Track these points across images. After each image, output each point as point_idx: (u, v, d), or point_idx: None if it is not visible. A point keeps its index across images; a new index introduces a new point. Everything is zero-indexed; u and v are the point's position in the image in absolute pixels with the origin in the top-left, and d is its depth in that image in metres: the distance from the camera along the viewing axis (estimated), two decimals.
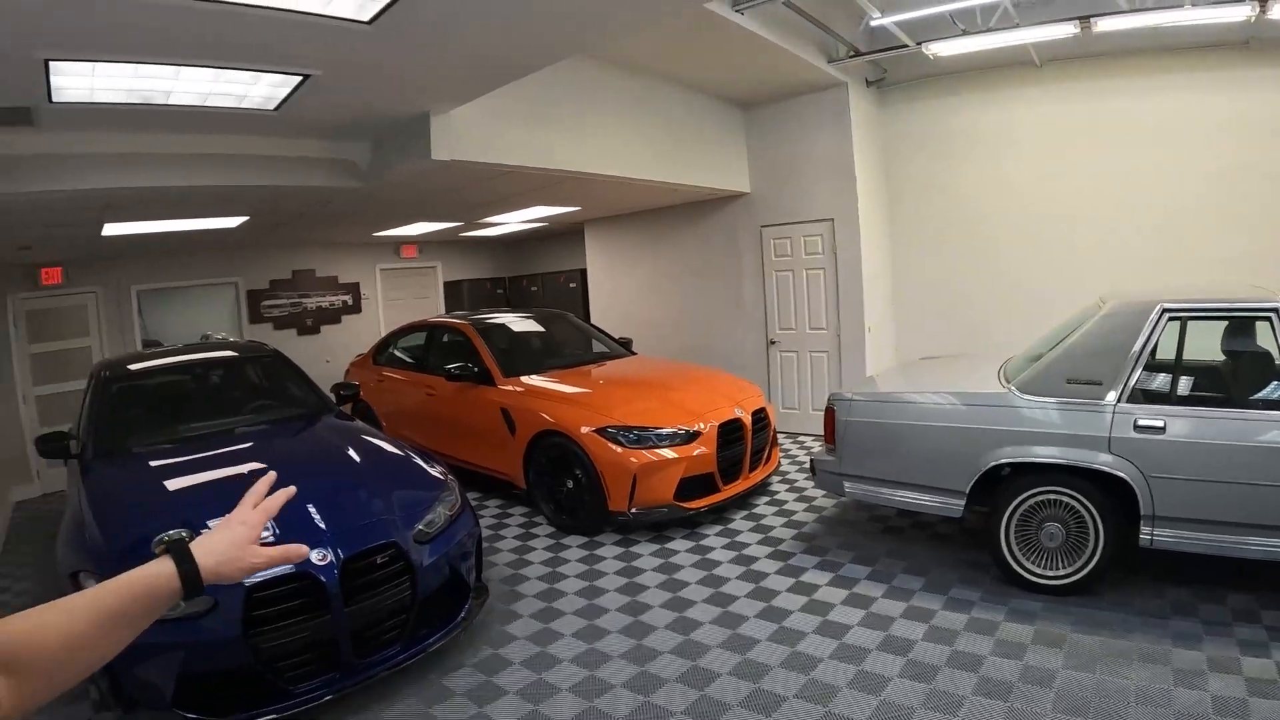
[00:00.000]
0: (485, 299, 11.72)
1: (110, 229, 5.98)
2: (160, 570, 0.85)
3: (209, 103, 3.80)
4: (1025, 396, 3.83)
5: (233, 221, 6.60)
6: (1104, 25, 5.37)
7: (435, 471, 4.01)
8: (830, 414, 4.51)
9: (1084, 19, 5.34)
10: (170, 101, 3.70)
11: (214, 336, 6.17)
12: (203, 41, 3.01)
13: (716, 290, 8.52)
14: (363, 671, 3.10)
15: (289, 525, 2.99)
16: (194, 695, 2.78)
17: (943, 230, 7.57)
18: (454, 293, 11.73)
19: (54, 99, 3.47)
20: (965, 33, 5.79)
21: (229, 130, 4.55)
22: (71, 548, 3.18)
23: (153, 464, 3.84)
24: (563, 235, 11.37)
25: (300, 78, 3.62)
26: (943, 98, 7.39)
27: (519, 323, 7.23)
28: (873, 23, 5.92)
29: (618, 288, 9.80)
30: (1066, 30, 5.49)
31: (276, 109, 4.05)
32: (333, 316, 10.43)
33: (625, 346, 7.16)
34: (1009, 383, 4.02)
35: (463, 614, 3.58)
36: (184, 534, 0.79)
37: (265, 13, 2.78)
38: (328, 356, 9.68)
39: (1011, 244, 7.14)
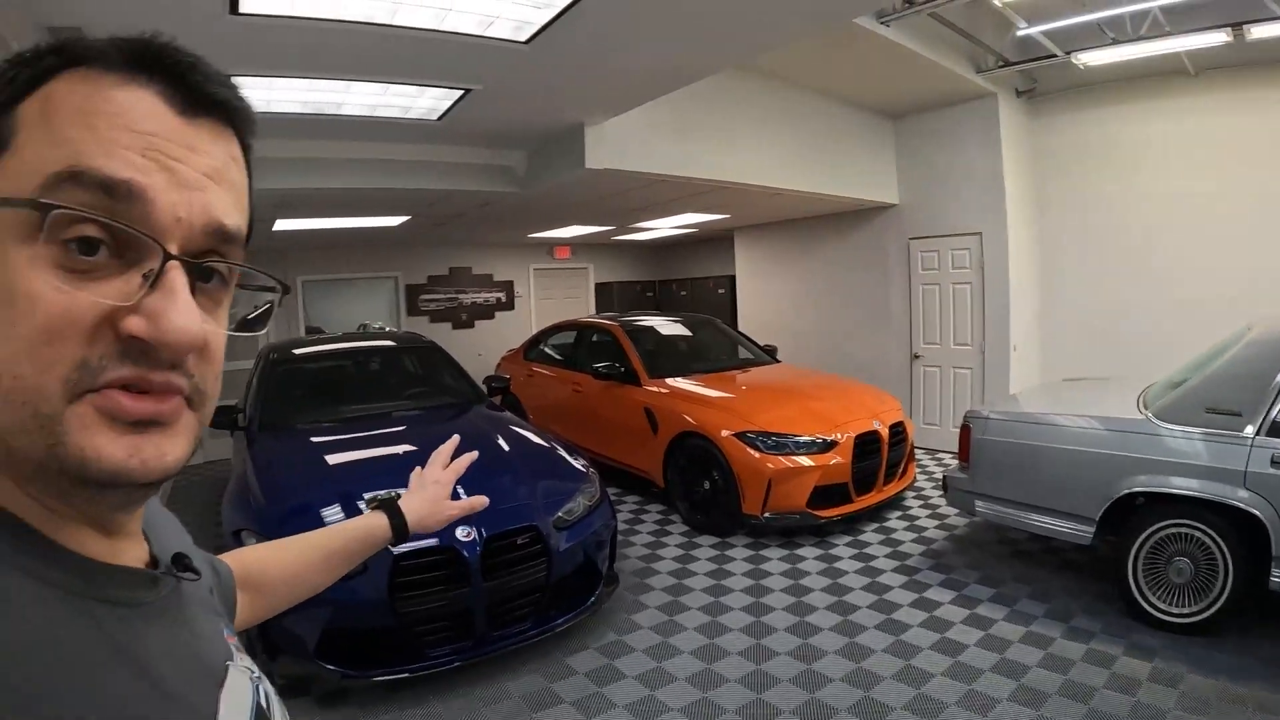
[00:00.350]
0: (635, 301, 12.00)
1: (281, 225, 6.61)
2: (376, 522, 1.07)
3: (377, 113, 4.18)
4: (1163, 424, 3.64)
5: (394, 220, 7.14)
6: (1259, 32, 4.94)
7: (578, 464, 4.21)
8: (966, 431, 4.42)
9: (1236, 25, 4.92)
10: (341, 112, 4.09)
11: (372, 326, 6.67)
12: (375, 60, 3.34)
13: (863, 301, 8.39)
14: (493, 643, 3.33)
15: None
16: (335, 648, 3.07)
17: (1094, 246, 7.09)
18: (604, 294, 12.08)
19: None
20: (1115, 41, 5.47)
21: (395, 138, 4.93)
22: (236, 509, 3.57)
23: (314, 440, 4.20)
24: (713, 241, 11.46)
25: (462, 91, 3.92)
26: (1095, 108, 6.94)
27: (667, 326, 7.37)
28: (1020, 32, 5.68)
29: (765, 295, 9.81)
30: (1218, 38, 5.08)
31: (440, 119, 4.39)
32: (487, 312, 10.99)
33: (770, 354, 7.18)
34: (1147, 409, 3.82)
35: (592, 599, 3.75)
36: (393, 494, 1.02)
37: (431, 35, 3.06)
38: (480, 350, 10.21)
39: (1168, 262, 6.59)
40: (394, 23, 2.90)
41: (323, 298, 9.71)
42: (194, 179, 0.48)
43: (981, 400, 7.04)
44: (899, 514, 5.59)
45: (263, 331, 0.63)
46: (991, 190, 6.97)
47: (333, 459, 3.91)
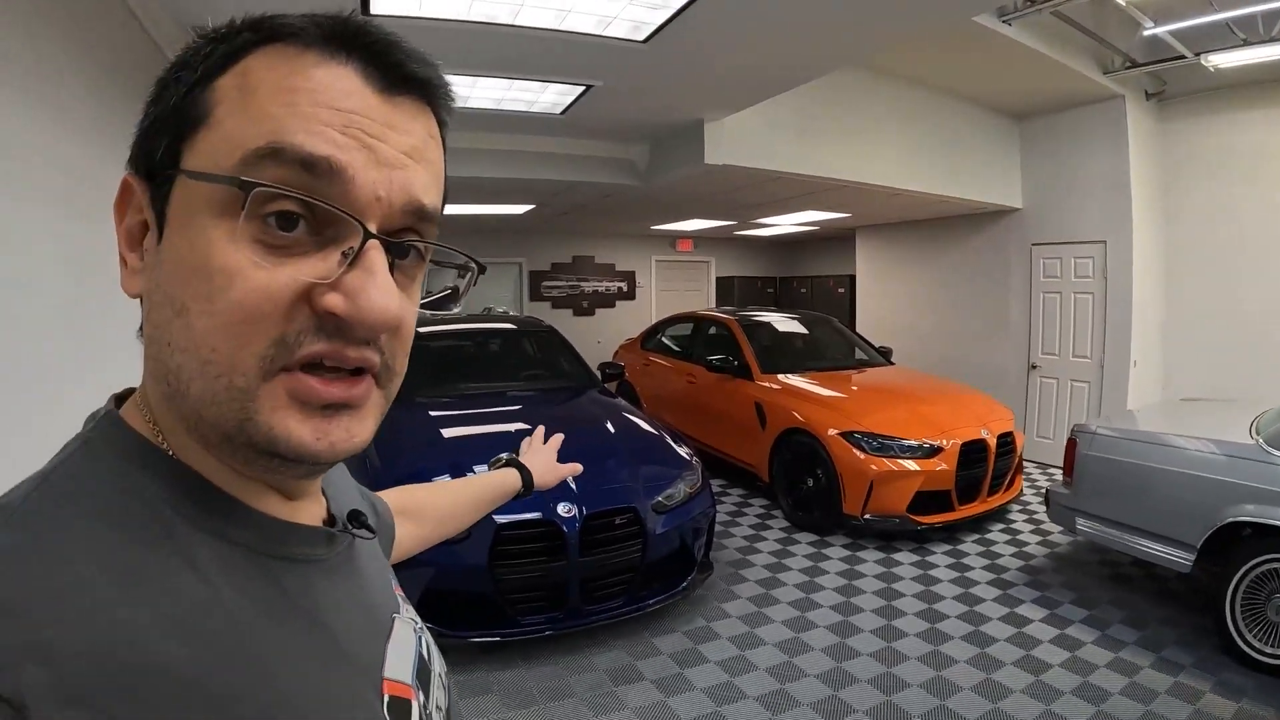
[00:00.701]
0: (755, 297, 11.99)
1: None
2: (509, 474, 1.25)
3: (502, 106, 4.40)
4: (1274, 452, 3.39)
5: (520, 209, 7.46)
6: None
7: (682, 452, 4.29)
8: (1071, 445, 4.28)
9: None
10: (467, 105, 4.33)
11: (495, 310, 6.96)
12: (499, 57, 3.55)
13: (981, 307, 8.11)
14: (584, 617, 3.49)
15: None
16: (432, 608, 3.26)
17: (1226, 259, 6.56)
18: (725, 288, 12.13)
19: None
20: (1246, 42, 5.08)
21: (521, 130, 5.18)
22: (355, 470, 3.85)
23: (432, 413, 4.43)
24: (834, 240, 11.33)
25: (584, 87, 4.09)
26: (1227, 112, 6.41)
27: (783, 323, 7.37)
28: (1145, 32, 5.35)
29: (884, 296, 9.61)
30: None
31: (563, 113, 4.59)
32: (607, 301, 11.26)
33: (884, 356, 7.08)
34: (1259, 434, 3.58)
35: (684, 584, 3.85)
36: (511, 456, 1.21)
37: (552, 35, 3.23)
38: (599, 338, 10.47)
39: None
40: (516, 23, 3.09)
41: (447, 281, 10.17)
42: (393, 157, 0.49)
43: (1098, 416, 6.71)
44: (1001, 526, 5.43)
45: (456, 310, 0.73)
46: (1117, 197, 6.60)
47: (448, 432, 4.16)
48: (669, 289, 11.79)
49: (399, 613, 0.66)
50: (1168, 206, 6.97)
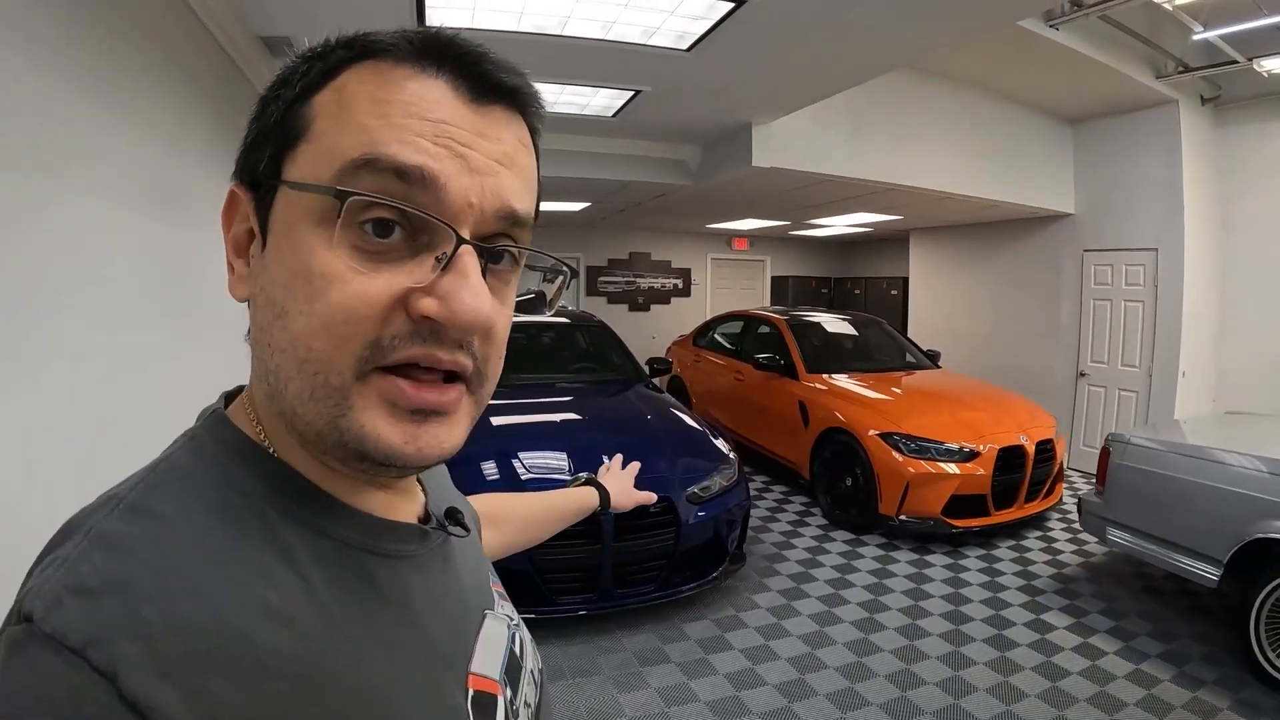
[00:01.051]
0: (809, 297, 12.00)
1: None
2: (589, 493, 1.30)
3: (555, 109, 4.58)
4: None
5: (577, 206, 7.66)
6: None
7: (721, 446, 4.39)
8: (1105, 454, 4.27)
9: None
10: None
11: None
12: (550, 64, 3.72)
13: (1032, 313, 8.01)
14: (617, 600, 3.67)
15: (586, 466, 3.65)
16: None
17: None
18: (780, 288, 12.17)
19: None
20: None
21: (575, 130, 5.37)
22: None
23: None
24: (889, 241, 11.28)
25: (632, 93, 4.25)
26: None
27: (833, 323, 7.41)
28: (1195, 37, 5.25)
29: (936, 299, 9.55)
30: None
31: (614, 116, 4.76)
32: (663, 297, 11.42)
33: (932, 359, 7.08)
34: None
35: (715, 574, 3.99)
36: (590, 476, 1.27)
37: (599, 44, 3.39)
38: (654, 334, 10.64)
39: None
40: (564, 33, 3.27)
41: None
42: (484, 164, 0.50)
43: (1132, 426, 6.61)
44: (1038, 534, 5.41)
45: (549, 315, 0.82)
46: (1169, 204, 6.46)
47: (496, 420, 4.34)
48: (724, 286, 11.90)
49: (492, 609, 0.68)
50: (1224, 214, 6.80)
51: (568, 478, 3.68)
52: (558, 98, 4.37)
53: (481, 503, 1.06)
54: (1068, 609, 4.19)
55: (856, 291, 11.82)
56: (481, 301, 0.49)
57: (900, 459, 5.01)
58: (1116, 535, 4.15)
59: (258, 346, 0.51)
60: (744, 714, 3.09)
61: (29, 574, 0.44)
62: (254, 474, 0.51)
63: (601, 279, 10.98)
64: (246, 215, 0.53)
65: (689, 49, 3.48)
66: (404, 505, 0.62)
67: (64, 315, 1.81)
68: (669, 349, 9.01)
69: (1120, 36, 5.37)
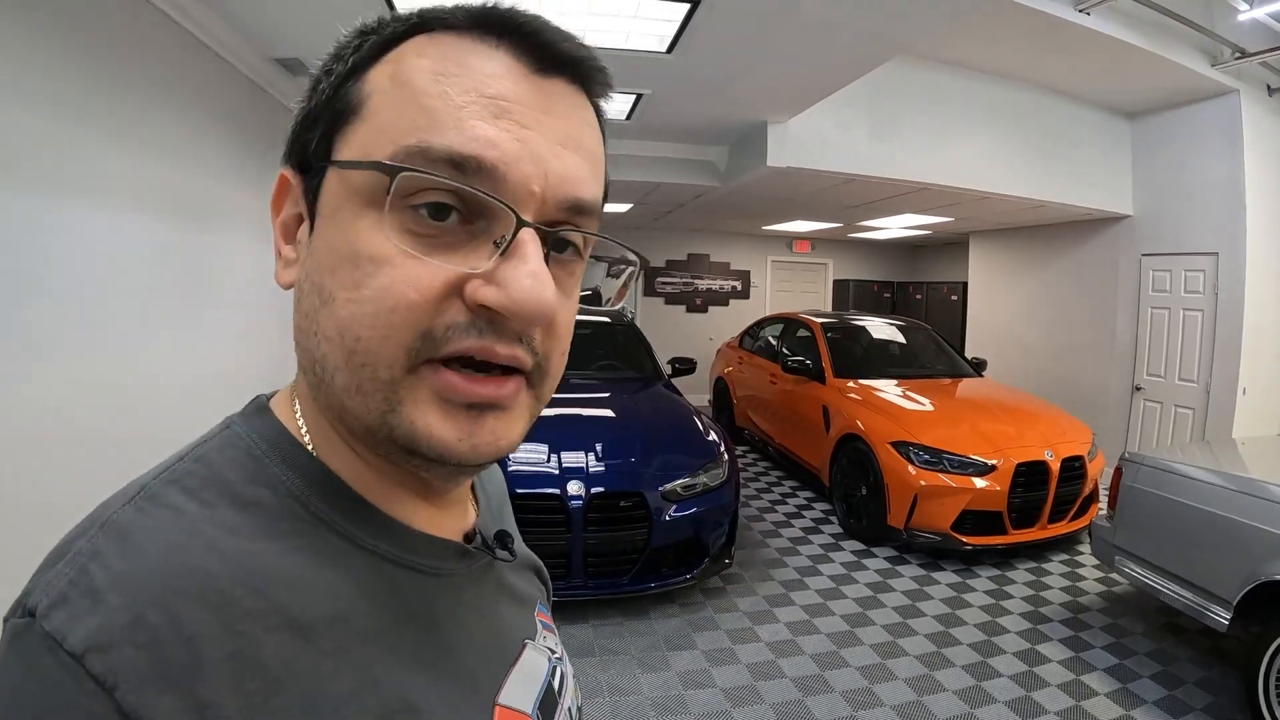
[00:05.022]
0: (870, 301, 11.75)
1: None
2: None
3: None
4: None
5: (622, 207, 7.77)
6: None
7: (714, 446, 4.40)
8: (1117, 474, 3.96)
9: None
10: None
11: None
12: None
13: (1088, 321, 7.59)
14: (587, 589, 3.76)
15: (575, 456, 3.91)
16: None
17: None
18: (841, 291, 11.98)
19: None
20: None
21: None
22: None
23: None
24: (952, 245, 10.95)
25: (635, 95, 4.30)
26: None
27: (872, 328, 7.26)
28: (1241, 17, 4.87)
29: (994, 305, 9.18)
30: None
31: (627, 119, 4.82)
32: (721, 299, 11.40)
33: (976, 368, 6.85)
34: None
35: (689, 574, 4.01)
36: None
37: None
38: (711, 335, 10.64)
39: None
40: None
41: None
42: (548, 148, 0.47)
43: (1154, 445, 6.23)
44: (1064, 557, 5.14)
45: (618, 307, 0.74)
46: (1231, 204, 6.00)
47: None
48: (785, 289, 11.78)
49: (533, 639, 0.64)
50: None
51: (549, 469, 3.84)
52: None
53: None
54: (1069, 641, 3.94)
55: (918, 296, 11.51)
56: (544, 289, 0.45)
57: (912, 470, 4.89)
58: (1125, 565, 3.86)
59: (303, 335, 0.49)
60: (684, 714, 3.11)
61: (46, 559, 0.42)
62: (289, 471, 0.48)
63: (659, 279, 11.05)
64: (296, 199, 0.51)
65: (669, 50, 3.52)
66: (450, 521, 0.59)
67: (90, 310, 2.31)
68: (719, 351, 9.03)
69: (1165, 21, 5.00)
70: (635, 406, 4.91)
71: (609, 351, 6.12)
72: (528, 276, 0.44)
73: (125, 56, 2.52)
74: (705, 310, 11.30)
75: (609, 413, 4.84)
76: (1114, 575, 4.76)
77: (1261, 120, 6.06)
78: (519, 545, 0.72)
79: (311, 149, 0.49)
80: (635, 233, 10.73)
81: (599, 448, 4.01)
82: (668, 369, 5.97)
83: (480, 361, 0.46)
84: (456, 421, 0.46)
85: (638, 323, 10.35)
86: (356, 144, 0.46)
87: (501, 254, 0.45)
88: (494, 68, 0.46)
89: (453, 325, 0.44)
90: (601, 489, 3.78)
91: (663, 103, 4.48)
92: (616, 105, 4.59)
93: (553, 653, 0.66)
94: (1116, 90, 6.23)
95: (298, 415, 0.51)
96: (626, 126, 5.11)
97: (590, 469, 3.85)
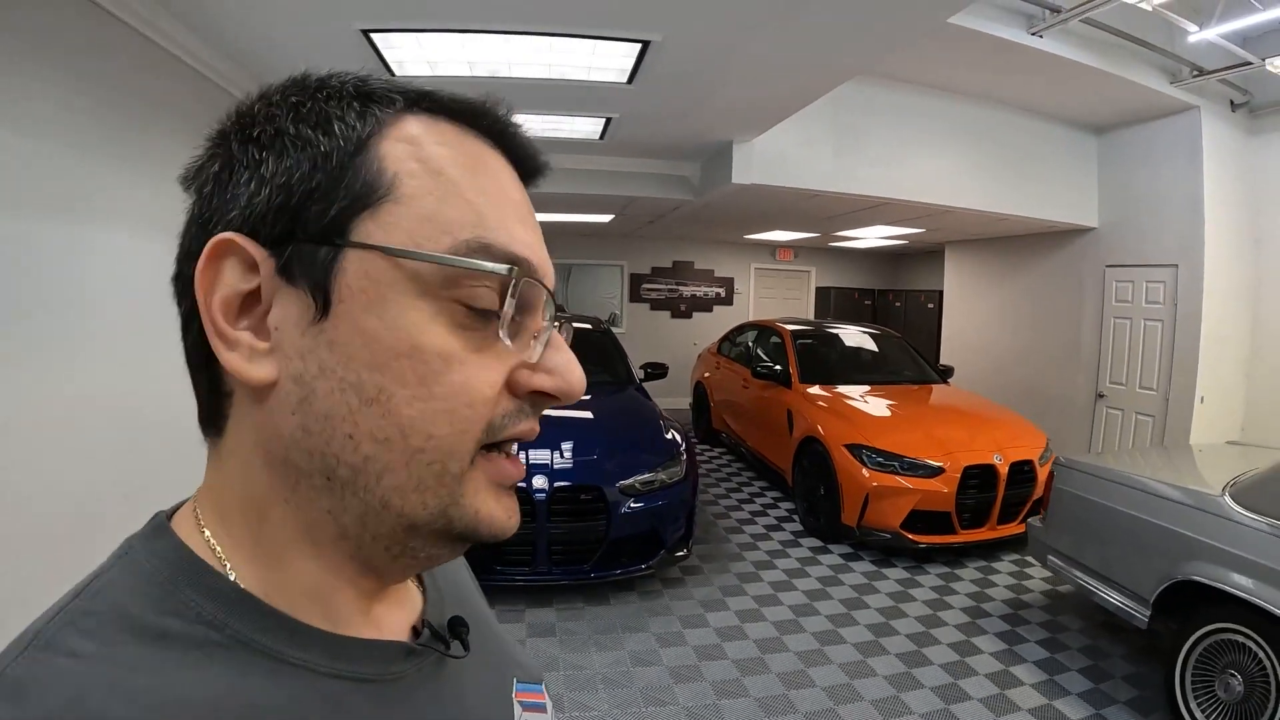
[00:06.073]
0: (851, 308, 12.01)
1: None
2: None
3: (546, 134, 5.00)
4: (1234, 506, 3.10)
5: (603, 217, 8.08)
6: None
7: (673, 445, 4.69)
8: (1049, 477, 4.22)
9: None
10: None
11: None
12: (521, 99, 4.11)
13: (1054, 330, 7.84)
14: (550, 575, 4.09)
15: (542, 453, 4.21)
16: None
17: None
18: (823, 299, 12.27)
19: None
20: None
21: (575, 150, 5.74)
22: None
23: None
24: (930, 254, 11.26)
25: (605, 119, 4.61)
26: None
27: (847, 335, 7.55)
28: (1191, 39, 5.07)
29: (969, 313, 9.45)
30: None
31: (601, 138, 5.12)
32: (705, 305, 11.72)
33: (942, 375, 7.14)
34: (1229, 488, 3.28)
35: (645, 565, 4.32)
36: None
37: (559, 83, 3.82)
38: (696, 340, 10.92)
39: None
40: (512, 75, 3.67)
41: (573, 279, 11.20)
42: (541, 244, 0.50)
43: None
44: (1015, 557, 5.35)
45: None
46: (1191, 217, 6.20)
47: None
48: (769, 296, 12.09)
49: None
50: (1258, 229, 6.43)
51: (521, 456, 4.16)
52: (542, 124, 4.77)
53: None
54: (1005, 635, 4.13)
55: (897, 304, 11.78)
56: (581, 371, 0.49)
57: (865, 472, 5.16)
58: (1056, 562, 4.05)
59: (319, 440, 0.44)
60: (629, 687, 3.41)
61: None
62: (198, 594, 0.44)
63: (645, 285, 11.38)
64: (245, 275, 0.44)
65: (629, 82, 3.81)
66: (393, 616, 0.55)
67: (100, 322, 2.68)
68: (700, 356, 9.35)
69: (1123, 42, 5.22)
70: (605, 408, 5.21)
71: (585, 357, 6.35)
72: (574, 362, 0.49)
73: (134, 89, 2.91)
74: (690, 316, 11.61)
75: (580, 414, 5.15)
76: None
77: (1222, 135, 6.26)
78: (490, 627, 0.69)
79: (309, 222, 0.43)
80: (621, 240, 11.02)
81: (565, 446, 4.32)
82: (640, 374, 6.28)
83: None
84: (504, 501, 0.48)
85: (623, 327, 10.74)
86: (400, 230, 0.44)
87: (545, 344, 0.48)
88: (507, 176, 0.50)
89: (507, 413, 0.46)
90: (564, 483, 4.11)
91: (632, 124, 4.76)
92: (589, 127, 4.89)
93: None
94: (1081, 107, 6.43)
95: (205, 533, 0.47)
96: (600, 145, 5.39)
97: (555, 465, 4.16)
